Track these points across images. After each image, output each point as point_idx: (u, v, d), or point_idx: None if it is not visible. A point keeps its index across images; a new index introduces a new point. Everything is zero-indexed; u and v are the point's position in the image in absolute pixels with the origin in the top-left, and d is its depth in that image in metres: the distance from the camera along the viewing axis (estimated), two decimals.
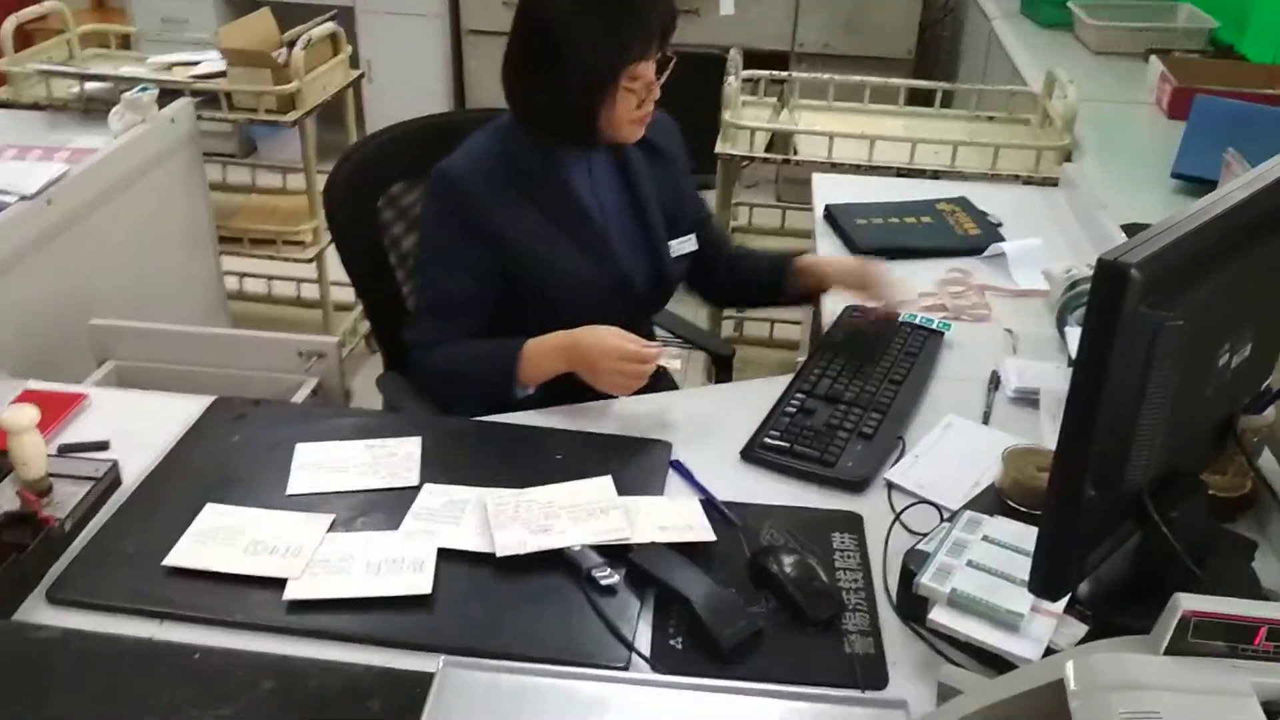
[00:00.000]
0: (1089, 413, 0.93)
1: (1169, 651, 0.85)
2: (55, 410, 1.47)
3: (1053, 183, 2.35)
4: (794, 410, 1.51)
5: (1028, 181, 2.38)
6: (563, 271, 1.61)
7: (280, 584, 1.17)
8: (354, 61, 3.20)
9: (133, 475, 1.37)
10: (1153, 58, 2.89)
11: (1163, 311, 0.92)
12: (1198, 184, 2.20)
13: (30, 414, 1.29)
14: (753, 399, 1.55)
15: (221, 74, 2.79)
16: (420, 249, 1.65)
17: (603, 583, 1.19)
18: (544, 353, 1.53)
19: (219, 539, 1.24)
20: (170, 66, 2.91)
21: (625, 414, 1.53)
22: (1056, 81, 2.54)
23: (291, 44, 2.80)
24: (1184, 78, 2.68)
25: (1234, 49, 3.11)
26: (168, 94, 2.64)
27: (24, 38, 3.14)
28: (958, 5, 4.36)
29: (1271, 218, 1.06)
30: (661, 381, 1.82)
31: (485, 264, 1.58)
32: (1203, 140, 2.24)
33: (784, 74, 2.77)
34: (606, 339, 1.48)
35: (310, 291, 3.31)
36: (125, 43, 3.29)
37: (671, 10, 1.53)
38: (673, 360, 1.52)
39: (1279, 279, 1.10)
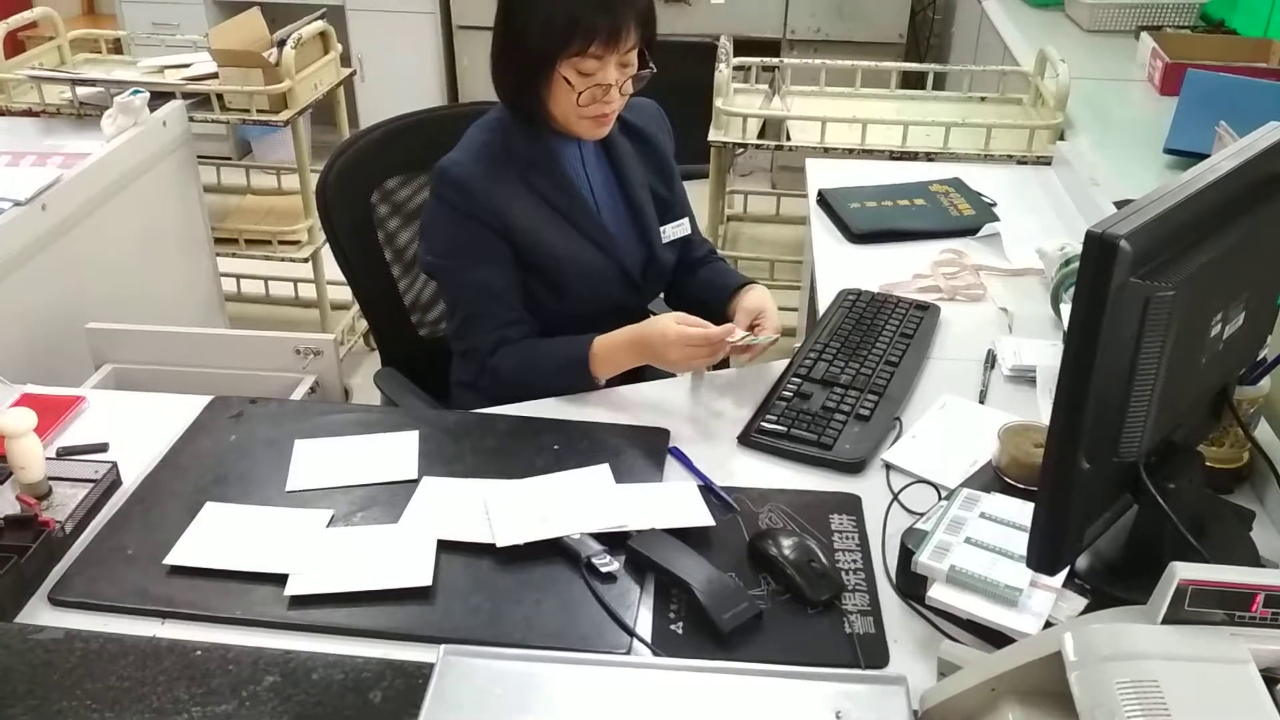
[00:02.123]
0: (1082, 385, 0.93)
1: (1166, 621, 0.86)
2: (54, 413, 1.47)
3: (1046, 161, 2.35)
4: (790, 395, 1.51)
5: (1021, 161, 2.38)
6: (569, 259, 1.61)
7: (281, 580, 1.18)
8: (345, 60, 3.20)
9: (132, 476, 1.37)
10: (1144, 34, 2.88)
11: (1154, 282, 0.92)
12: (1191, 158, 2.20)
13: (28, 418, 1.30)
14: (749, 385, 1.56)
15: (213, 75, 2.79)
16: (435, 255, 1.62)
17: (603, 570, 1.19)
18: (613, 349, 1.54)
19: (219, 537, 1.25)
20: (162, 69, 2.91)
21: (623, 402, 1.53)
22: (1048, 60, 2.54)
23: (282, 44, 2.80)
24: (1175, 53, 2.68)
25: (1225, 24, 3.10)
26: (160, 97, 2.64)
27: (15, 44, 3.15)
28: None
29: (1261, 186, 1.06)
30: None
31: (504, 252, 1.58)
32: (1195, 115, 2.23)
33: (775, 60, 2.76)
34: (669, 329, 1.48)
35: (308, 291, 3.31)
36: (117, 47, 3.28)
37: (631, 19, 1.48)
38: (772, 335, 1.54)
39: (1270, 247, 1.10)
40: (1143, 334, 0.92)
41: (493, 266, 1.58)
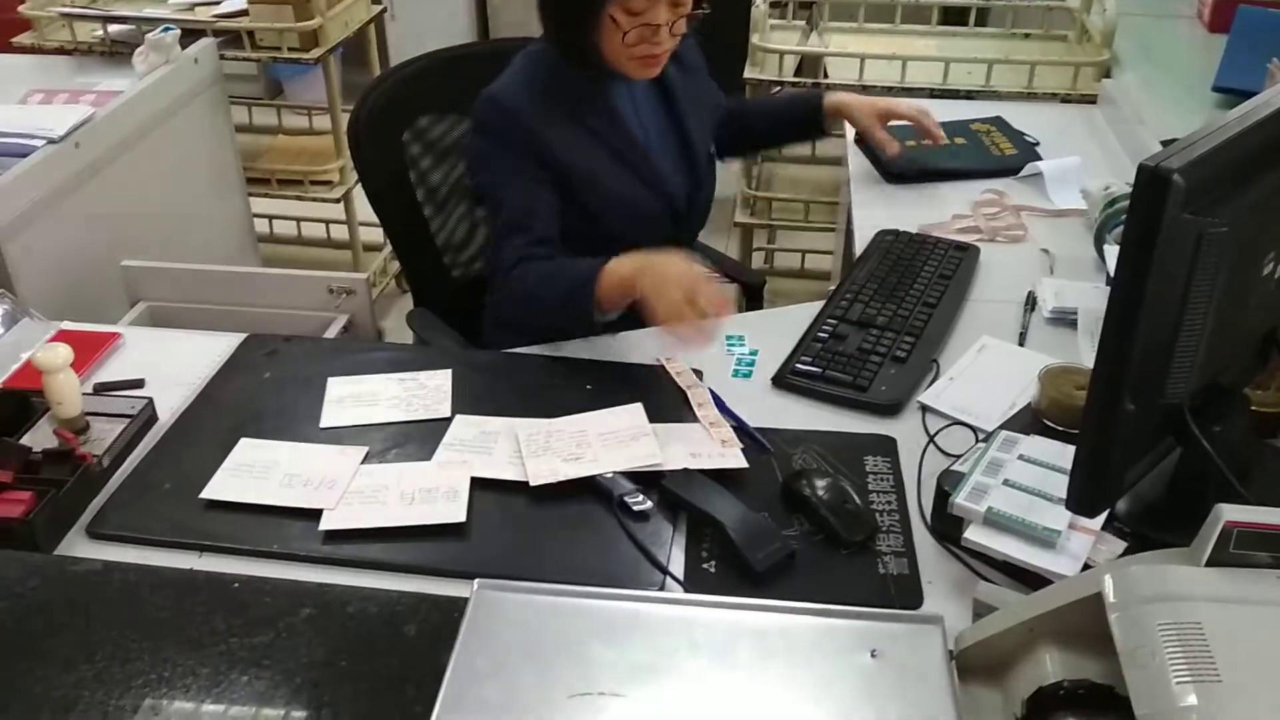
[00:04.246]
0: (1129, 324, 0.90)
1: (1210, 563, 0.84)
2: (89, 350, 1.48)
3: (1091, 100, 2.29)
4: (826, 336, 1.49)
5: (1065, 99, 2.32)
6: (612, 194, 1.60)
7: (316, 515, 1.18)
8: None
9: (168, 412, 1.38)
10: None
11: (1207, 218, 0.89)
12: (1241, 97, 2.13)
13: (64, 353, 1.30)
14: (785, 326, 1.54)
15: (244, 12, 2.77)
16: (479, 181, 1.60)
17: (635, 508, 1.19)
18: (620, 269, 1.41)
19: (254, 472, 1.25)
20: (193, 6, 2.89)
21: (655, 343, 1.52)
22: None
23: None
24: None
25: None
26: (191, 34, 2.62)
27: None
28: None
29: None
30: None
31: (545, 179, 1.56)
32: (1245, 52, 2.17)
33: None
34: (684, 264, 1.37)
35: (340, 232, 3.31)
36: None
37: None
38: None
39: None
40: (1194, 272, 0.89)
41: (531, 186, 1.55)
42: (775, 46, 2.49)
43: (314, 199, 3.03)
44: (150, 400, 1.36)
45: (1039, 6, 2.76)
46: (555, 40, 1.56)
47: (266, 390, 1.42)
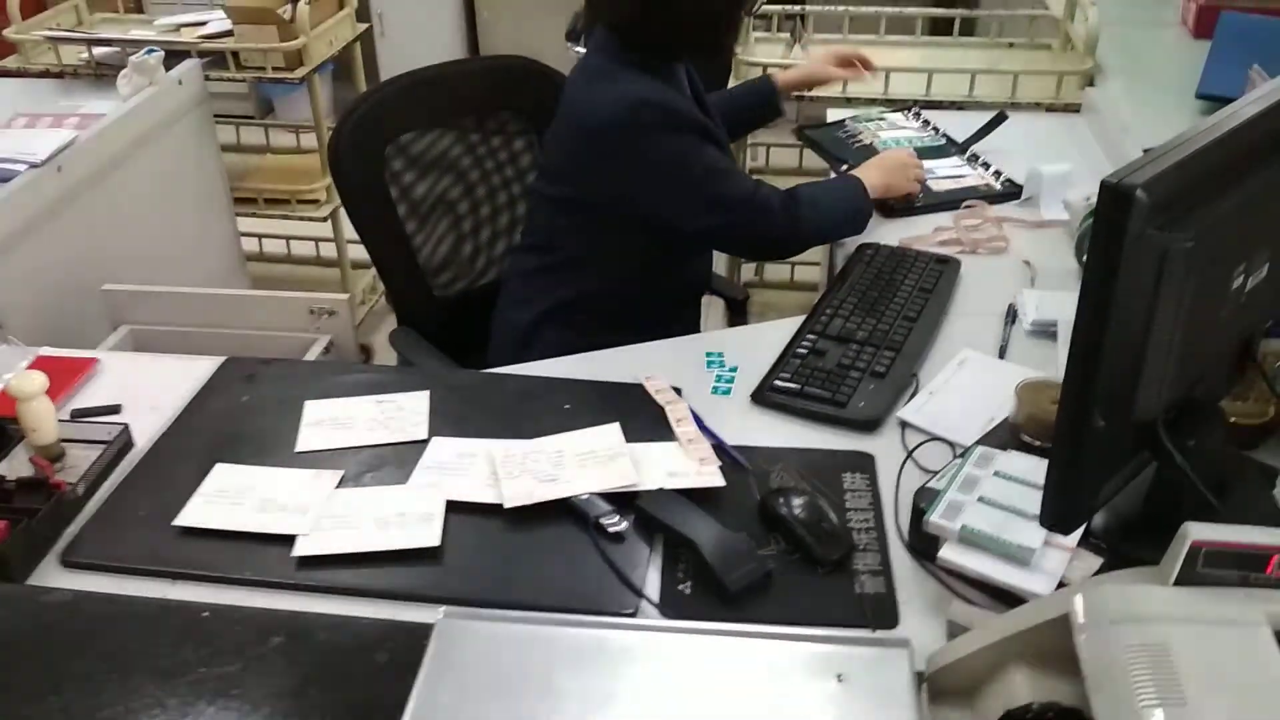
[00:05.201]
0: (1096, 341, 0.90)
1: (1179, 582, 0.84)
2: (67, 375, 1.48)
3: (1075, 109, 2.29)
4: (805, 351, 1.49)
5: (1050, 109, 2.31)
6: None
7: (290, 540, 1.18)
8: (364, 15, 3.17)
9: (145, 438, 1.37)
10: None
11: (1172, 233, 0.89)
12: (1224, 104, 2.12)
13: (39, 380, 1.30)
14: (766, 342, 1.53)
15: (229, 33, 2.77)
16: (680, 176, 1.60)
17: (610, 530, 1.18)
18: (870, 176, 1.77)
19: (229, 498, 1.25)
20: (178, 28, 2.90)
21: (636, 362, 1.52)
22: (1077, 4, 2.47)
23: (296, 0, 2.77)
24: None
25: None
26: (177, 55, 2.63)
27: (37, 4, 3.14)
28: None
29: None
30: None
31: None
32: (1228, 59, 2.16)
33: (797, 8, 2.71)
34: (904, 151, 1.93)
35: (329, 250, 3.31)
36: (136, 6, 3.27)
37: None
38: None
39: None
40: (1160, 287, 0.89)
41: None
42: (759, 60, 2.49)
43: (301, 218, 3.03)
44: (126, 426, 1.36)
45: (1023, 16, 2.77)
46: (689, 32, 1.59)
47: (243, 414, 1.41)
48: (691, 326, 1.89)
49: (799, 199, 1.67)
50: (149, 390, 1.46)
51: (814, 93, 2.44)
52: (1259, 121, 0.97)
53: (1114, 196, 0.86)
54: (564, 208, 1.70)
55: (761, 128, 2.15)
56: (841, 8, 2.72)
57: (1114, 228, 0.86)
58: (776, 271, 3.27)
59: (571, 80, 1.68)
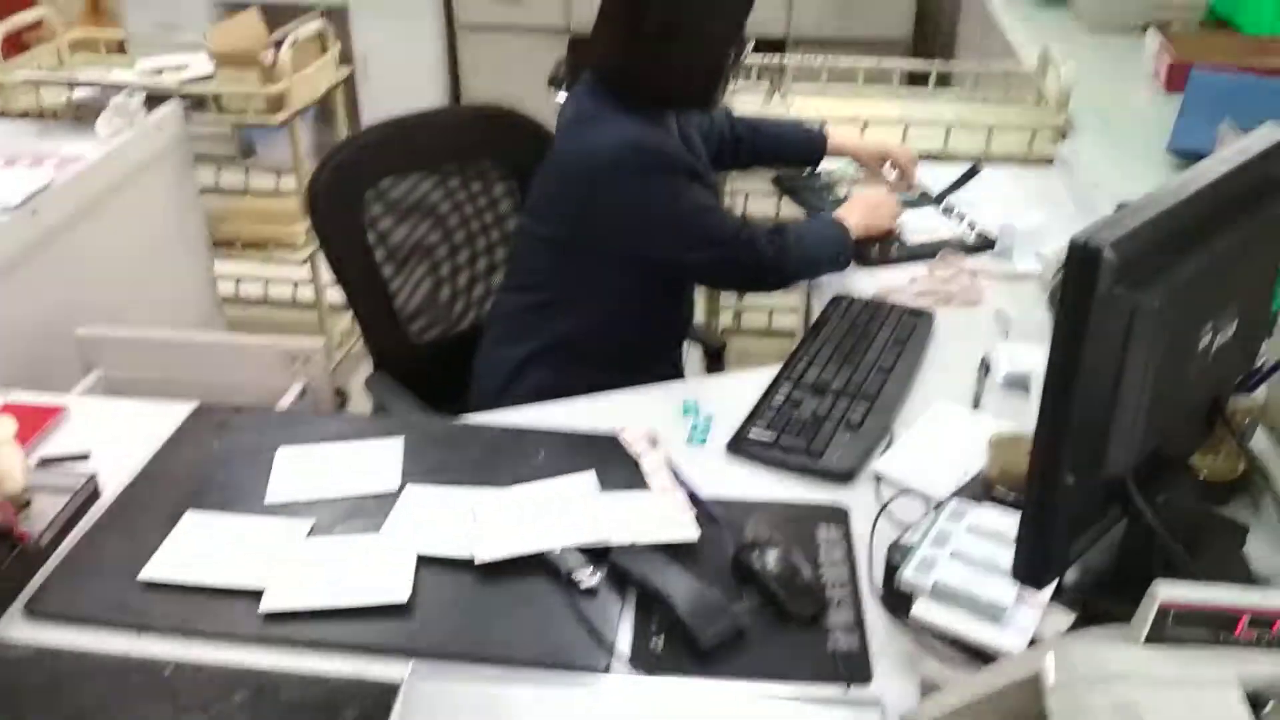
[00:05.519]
0: (1065, 399, 0.90)
1: (1149, 641, 0.84)
2: (35, 421, 1.46)
3: (1049, 162, 2.32)
4: (781, 402, 1.49)
5: (1024, 162, 2.34)
6: None
7: (258, 594, 1.16)
8: (347, 59, 3.18)
9: (113, 485, 1.36)
10: (1150, 31, 2.84)
11: (1140, 292, 0.90)
12: (1196, 159, 2.15)
13: (6, 427, 1.29)
14: (742, 391, 1.53)
15: (210, 77, 2.78)
16: (669, 215, 1.66)
17: (583, 585, 1.17)
18: (850, 216, 1.85)
19: (196, 549, 1.23)
20: (159, 71, 2.90)
21: (611, 411, 1.51)
22: (1051, 59, 2.51)
23: (279, 44, 2.79)
24: (1181, 51, 2.64)
25: (1232, 21, 3.06)
26: (158, 98, 2.63)
27: (19, 45, 3.14)
28: None
29: (1256, 191, 1.04)
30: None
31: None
32: (1199, 114, 2.20)
33: (777, 58, 2.74)
34: (880, 192, 2.00)
35: (307, 293, 3.30)
36: (120, 47, 3.28)
37: None
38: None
39: (1265, 254, 1.07)
40: (1128, 346, 0.90)
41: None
42: (739, 110, 2.51)
43: (280, 261, 3.02)
44: (94, 475, 1.34)
45: (998, 70, 2.81)
46: (679, 85, 1.66)
47: (214, 463, 1.40)
48: (675, 367, 1.92)
49: (785, 234, 1.74)
50: (119, 437, 1.45)
51: None
52: (1226, 181, 0.98)
53: (1082, 255, 0.87)
54: (554, 247, 1.72)
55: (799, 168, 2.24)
56: (819, 59, 2.75)
57: (1082, 286, 0.87)
58: (754, 319, 3.28)
59: (563, 123, 1.73)
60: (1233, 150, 1.04)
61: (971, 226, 2.00)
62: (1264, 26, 2.88)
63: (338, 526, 1.28)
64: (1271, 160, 1.05)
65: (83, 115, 2.69)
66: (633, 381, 1.61)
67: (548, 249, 1.74)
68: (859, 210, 1.88)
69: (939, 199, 2.12)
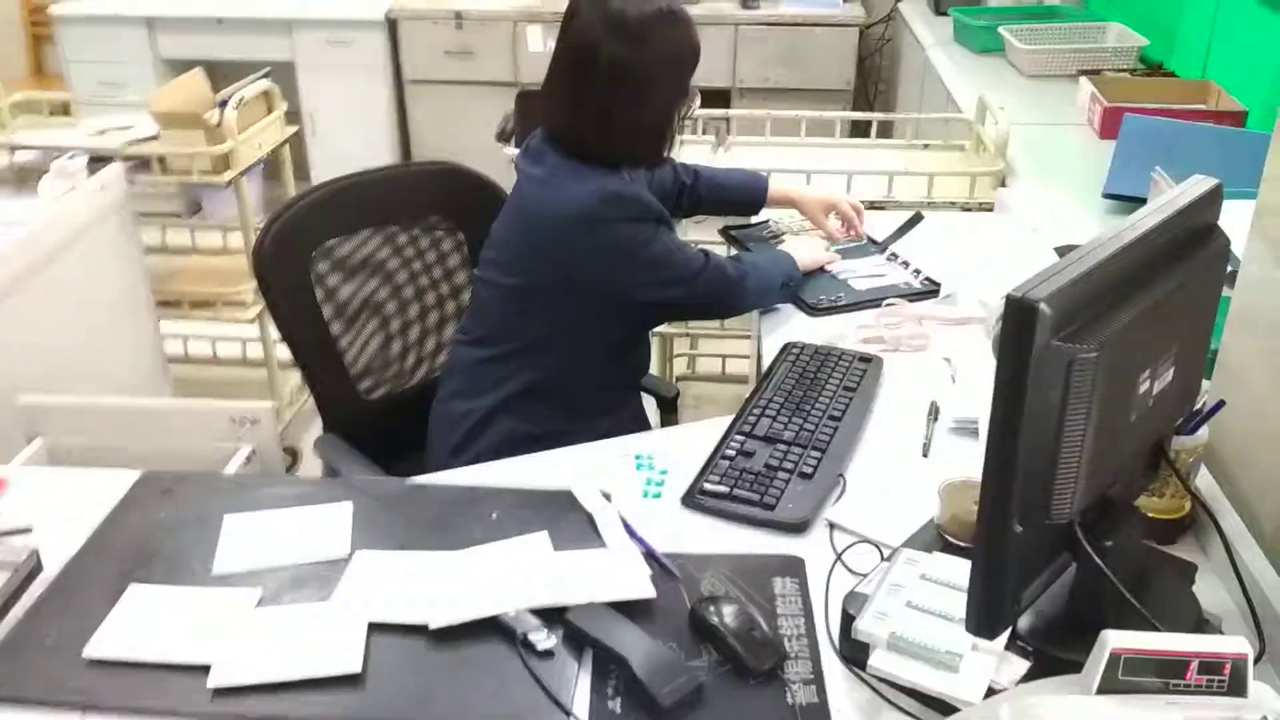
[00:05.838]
0: (1009, 449, 0.92)
1: (1102, 690, 0.84)
2: None
3: (989, 208, 2.36)
4: (733, 453, 1.49)
5: (965, 208, 2.39)
6: None
7: (205, 669, 1.14)
8: (295, 116, 3.17)
9: (56, 558, 1.32)
10: (1083, 78, 2.92)
11: (1076, 344, 0.91)
12: (1130, 202, 2.22)
13: None
14: (696, 442, 1.54)
15: (154, 137, 2.76)
16: (647, 259, 1.72)
17: (539, 647, 1.16)
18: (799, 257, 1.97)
19: (142, 623, 1.20)
20: (103, 132, 2.87)
21: (564, 467, 1.51)
22: (988, 107, 2.57)
23: (224, 104, 2.78)
24: (1113, 97, 2.72)
25: (1163, 66, 3.16)
26: (102, 160, 2.61)
27: None
28: (894, 35, 4.42)
29: (1187, 240, 1.07)
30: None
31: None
32: (1132, 159, 2.26)
33: (720, 112, 2.78)
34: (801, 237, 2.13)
35: (256, 351, 3.27)
36: (64, 108, 3.25)
37: None
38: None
39: (1197, 300, 1.10)
40: (1067, 396, 0.91)
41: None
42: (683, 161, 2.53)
43: (227, 320, 2.99)
44: (35, 550, 1.31)
45: (938, 118, 2.87)
46: (626, 144, 1.70)
47: (160, 532, 1.37)
48: (638, 411, 1.98)
49: (742, 261, 1.91)
50: (62, 508, 1.42)
51: None
52: (1158, 232, 1.01)
53: (1019, 310, 0.88)
54: (520, 297, 1.75)
55: (742, 217, 2.29)
56: (762, 111, 2.80)
57: (1020, 339, 0.89)
58: (708, 365, 3.30)
59: (525, 177, 1.75)
60: (1163, 201, 1.07)
61: (917, 273, 2.03)
62: (1194, 71, 2.98)
63: (286, 595, 1.25)
64: (1200, 210, 1.08)
65: (25, 178, 2.66)
66: (598, 427, 1.67)
67: (512, 299, 1.76)
68: (796, 247, 2.02)
69: (883, 246, 2.15)
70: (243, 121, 2.77)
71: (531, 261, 1.73)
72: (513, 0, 4.23)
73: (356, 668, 1.13)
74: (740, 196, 2.16)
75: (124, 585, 1.26)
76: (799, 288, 1.94)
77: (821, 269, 2.03)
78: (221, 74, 3.05)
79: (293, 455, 2.88)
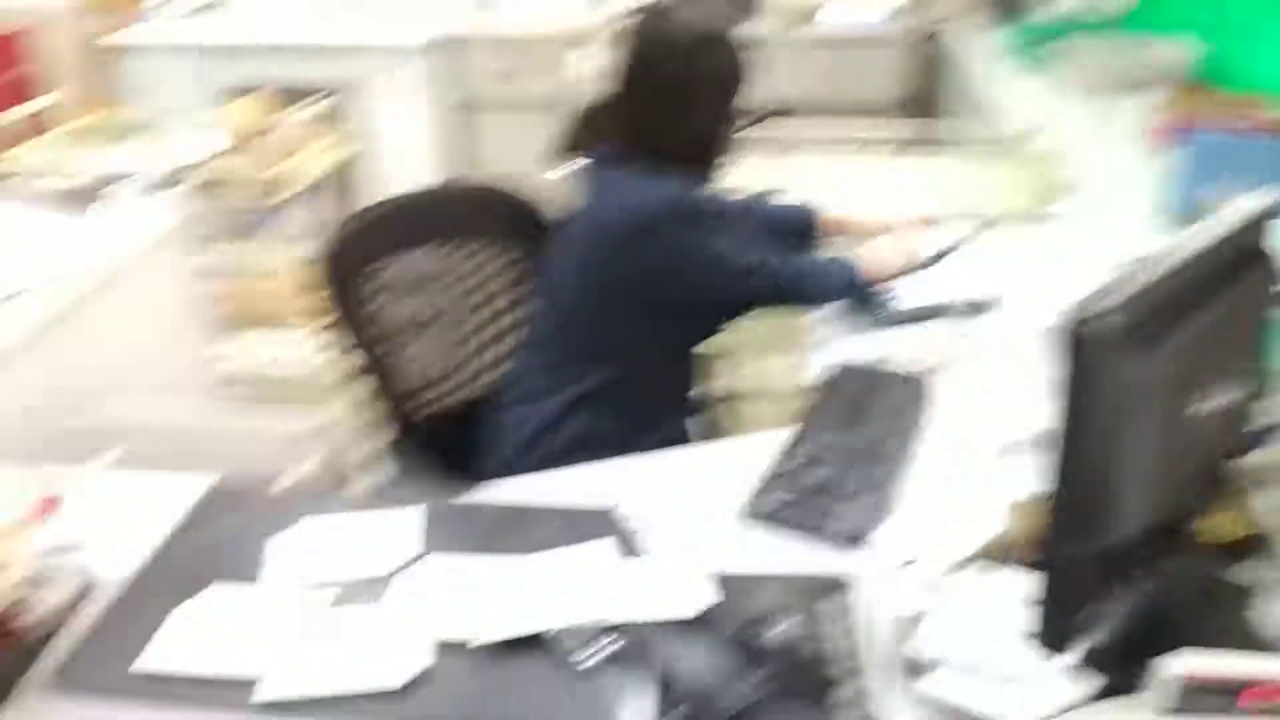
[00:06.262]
0: (1070, 472, 0.90)
1: (1164, 713, 0.82)
2: (36, 510, 1.45)
3: (1043, 223, 2.33)
4: (787, 470, 1.48)
5: (1019, 224, 2.35)
6: None
7: (253, 683, 1.15)
8: (352, 137, 3.22)
9: (112, 574, 1.35)
10: (1140, 91, 2.88)
11: (1134, 363, 0.90)
12: (1189, 219, 2.17)
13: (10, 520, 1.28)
14: (745, 461, 1.53)
15: (213, 159, 2.82)
16: (717, 267, 1.77)
17: (587, 664, 1.16)
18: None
19: (193, 636, 1.22)
20: (163, 154, 2.94)
21: (620, 478, 1.51)
22: (1043, 120, 2.53)
23: (282, 126, 2.83)
24: (1170, 111, 2.67)
25: (1219, 80, 3.10)
26: (163, 182, 2.67)
27: (35, 126, 3.20)
28: (944, 51, 4.38)
29: (1239, 259, 1.05)
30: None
31: None
32: (1191, 174, 2.22)
33: (772, 128, 2.76)
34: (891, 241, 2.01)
35: (309, 371, 3.31)
36: (126, 132, 3.33)
37: None
38: None
39: (1252, 320, 1.08)
40: (1126, 418, 0.89)
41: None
42: (739, 180, 2.53)
43: (282, 341, 3.04)
44: (88, 567, 1.33)
45: (990, 134, 2.84)
46: (696, 159, 1.79)
47: (217, 546, 1.39)
48: (690, 421, 2.00)
49: (801, 258, 1.95)
50: (121, 524, 1.44)
51: None
52: (1211, 253, 0.99)
53: (1074, 330, 0.87)
54: (589, 303, 1.81)
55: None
56: (816, 127, 2.79)
57: (1076, 360, 0.87)
58: (752, 383, 3.28)
59: (594, 184, 1.81)
60: (1221, 216, 1.05)
61: (970, 289, 2.00)
62: (1252, 84, 2.92)
63: (338, 608, 1.26)
64: (1252, 229, 1.06)
65: (91, 199, 2.73)
66: (655, 437, 1.72)
67: (580, 306, 1.81)
68: (868, 249, 1.97)
69: (934, 262, 2.12)
70: (301, 142, 2.82)
71: (600, 269, 1.78)
72: (560, 23, 4.27)
73: (402, 682, 1.14)
74: (789, 225, 2.12)
75: (177, 601, 1.27)
76: (862, 287, 1.90)
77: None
78: (285, 97, 3.10)
79: (348, 473, 2.91)
